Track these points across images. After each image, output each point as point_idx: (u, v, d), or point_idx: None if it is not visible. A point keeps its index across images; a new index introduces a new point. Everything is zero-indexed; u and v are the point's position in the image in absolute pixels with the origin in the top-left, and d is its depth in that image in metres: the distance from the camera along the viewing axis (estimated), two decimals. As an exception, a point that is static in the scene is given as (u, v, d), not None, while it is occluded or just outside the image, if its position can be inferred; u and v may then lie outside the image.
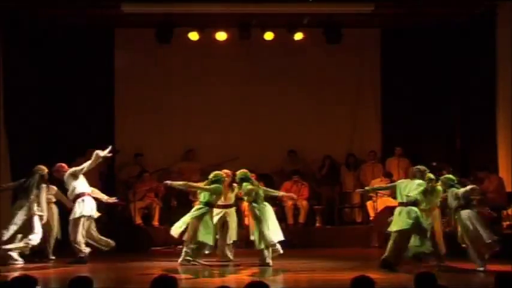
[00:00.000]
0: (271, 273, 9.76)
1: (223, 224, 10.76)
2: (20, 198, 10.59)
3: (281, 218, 12.84)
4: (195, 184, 10.77)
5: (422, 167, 10.01)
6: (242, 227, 12.05)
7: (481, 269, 9.50)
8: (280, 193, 11.64)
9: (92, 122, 14.07)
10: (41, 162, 11.14)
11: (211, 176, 10.43)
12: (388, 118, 14.63)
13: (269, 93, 14.45)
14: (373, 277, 5.44)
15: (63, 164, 10.84)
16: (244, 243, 11.51)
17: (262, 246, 10.13)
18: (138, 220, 13.23)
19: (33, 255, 10.66)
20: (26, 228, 10.48)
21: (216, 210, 10.55)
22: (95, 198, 10.77)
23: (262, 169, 13.31)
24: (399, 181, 10.26)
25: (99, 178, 13.15)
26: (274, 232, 10.24)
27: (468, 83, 13.98)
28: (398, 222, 9.65)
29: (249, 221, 11.14)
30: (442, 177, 10.06)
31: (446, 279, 8.23)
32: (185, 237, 10.33)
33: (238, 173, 10.52)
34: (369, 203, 13.45)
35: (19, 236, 10.49)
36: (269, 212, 10.35)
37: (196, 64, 14.36)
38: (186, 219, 10.27)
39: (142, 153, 14.15)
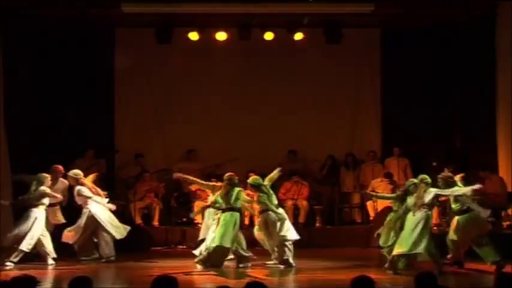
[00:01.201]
0: (271, 273, 9.77)
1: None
2: None
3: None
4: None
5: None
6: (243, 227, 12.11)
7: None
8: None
9: (92, 122, 14.06)
10: (41, 162, 11.15)
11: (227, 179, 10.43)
12: (388, 118, 14.63)
13: (269, 93, 14.45)
14: (373, 277, 5.44)
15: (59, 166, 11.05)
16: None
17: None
18: (138, 220, 13.23)
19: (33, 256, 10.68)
20: None
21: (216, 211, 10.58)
22: None
23: (262, 169, 13.30)
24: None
25: (98, 178, 13.14)
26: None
27: (468, 83, 13.98)
28: None
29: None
30: (440, 176, 10.09)
31: (446, 280, 8.24)
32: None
33: (253, 178, 10.62)
34: (369, 203, 13.46)
35: None
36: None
37: (196, 64, 14.35)
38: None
39: (143, 155, 14.14)
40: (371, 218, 13.19)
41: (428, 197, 9.69)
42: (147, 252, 12.04)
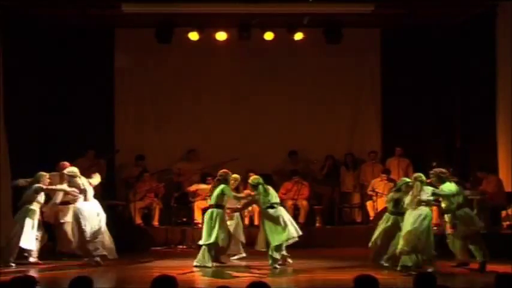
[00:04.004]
0: (271, 273, 9.77)
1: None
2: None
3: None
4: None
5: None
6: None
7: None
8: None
9: (92, 122, 14.07)
10: (41, 162, 11.16)
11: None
12: (388, 118, 14.63)
13: (269, 93, 14.45)
14: (373, 277, 5.44)
15: (66, 163, 10.93)
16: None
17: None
18: (138, 220, 13.24)
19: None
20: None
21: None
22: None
23: (262, 169, 13.32)
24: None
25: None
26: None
27: (468, 83, 13.98)
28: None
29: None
30: (432, 171, 10.08)
31: (446, 279, 8.25)
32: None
33: (252, 178, 10.63)
34: (368, 203, 13.47)
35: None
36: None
37: (196, 64, 14.36)
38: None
39: (144, 156, 14.12)
40: (371, 218, 13.19)
41: (424, 195, 9.68)
42: (147, 252, 12.05)
